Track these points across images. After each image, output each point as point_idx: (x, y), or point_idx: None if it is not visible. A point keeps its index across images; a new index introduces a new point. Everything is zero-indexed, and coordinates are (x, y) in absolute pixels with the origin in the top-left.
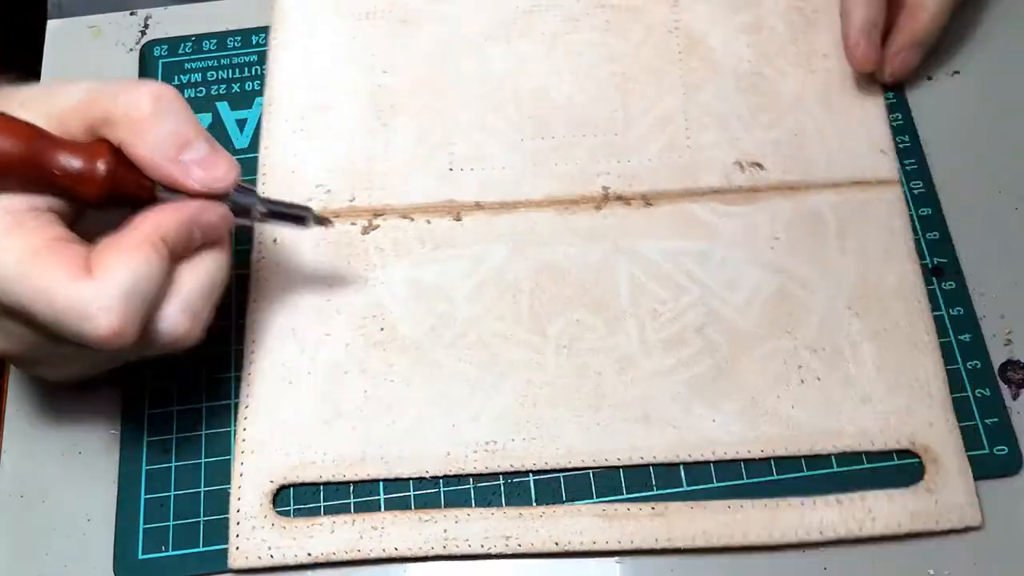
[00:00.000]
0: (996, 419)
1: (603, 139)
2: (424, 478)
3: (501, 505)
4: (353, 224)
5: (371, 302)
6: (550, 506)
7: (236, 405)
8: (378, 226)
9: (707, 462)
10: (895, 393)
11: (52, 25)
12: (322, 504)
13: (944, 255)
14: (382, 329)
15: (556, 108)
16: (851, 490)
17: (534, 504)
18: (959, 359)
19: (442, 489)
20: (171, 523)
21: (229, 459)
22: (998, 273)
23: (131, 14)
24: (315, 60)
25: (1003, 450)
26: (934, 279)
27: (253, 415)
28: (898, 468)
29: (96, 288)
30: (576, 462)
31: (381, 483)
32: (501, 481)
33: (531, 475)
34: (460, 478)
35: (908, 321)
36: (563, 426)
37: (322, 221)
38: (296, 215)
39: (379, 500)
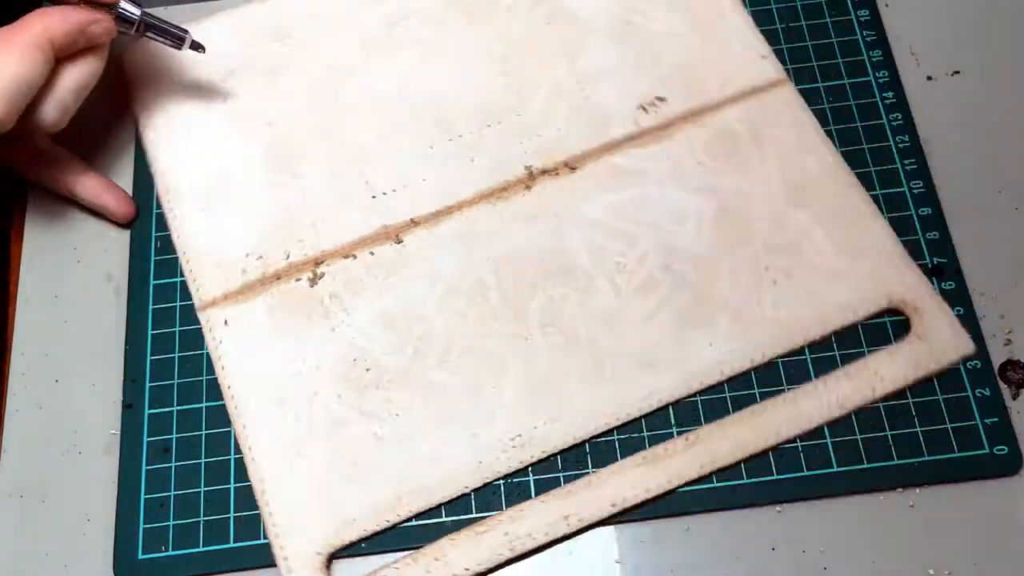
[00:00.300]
0: (996, 419)
1: (508, 123)
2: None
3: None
4: (298, 280)
5: (346, 348)
6: (595, 472)
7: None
8: (323, 274)
9: (720, 384)
10: (859, 262)
11: None
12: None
13: (944, 255)
14: (368, 370)
15: (452, 108)
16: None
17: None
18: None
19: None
20: (171, 523)
21: (229, 459)
22: (998, 273)
23: None
24: (195, 134)
25: (1003, 450)
26: (934, 279)
27: (274, 498)
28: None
29: None
30: (601, 426)
31: None
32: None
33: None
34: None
35: (844, 197)
36: (575, 397)
37: (196, 46)
38: (174, 33)
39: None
